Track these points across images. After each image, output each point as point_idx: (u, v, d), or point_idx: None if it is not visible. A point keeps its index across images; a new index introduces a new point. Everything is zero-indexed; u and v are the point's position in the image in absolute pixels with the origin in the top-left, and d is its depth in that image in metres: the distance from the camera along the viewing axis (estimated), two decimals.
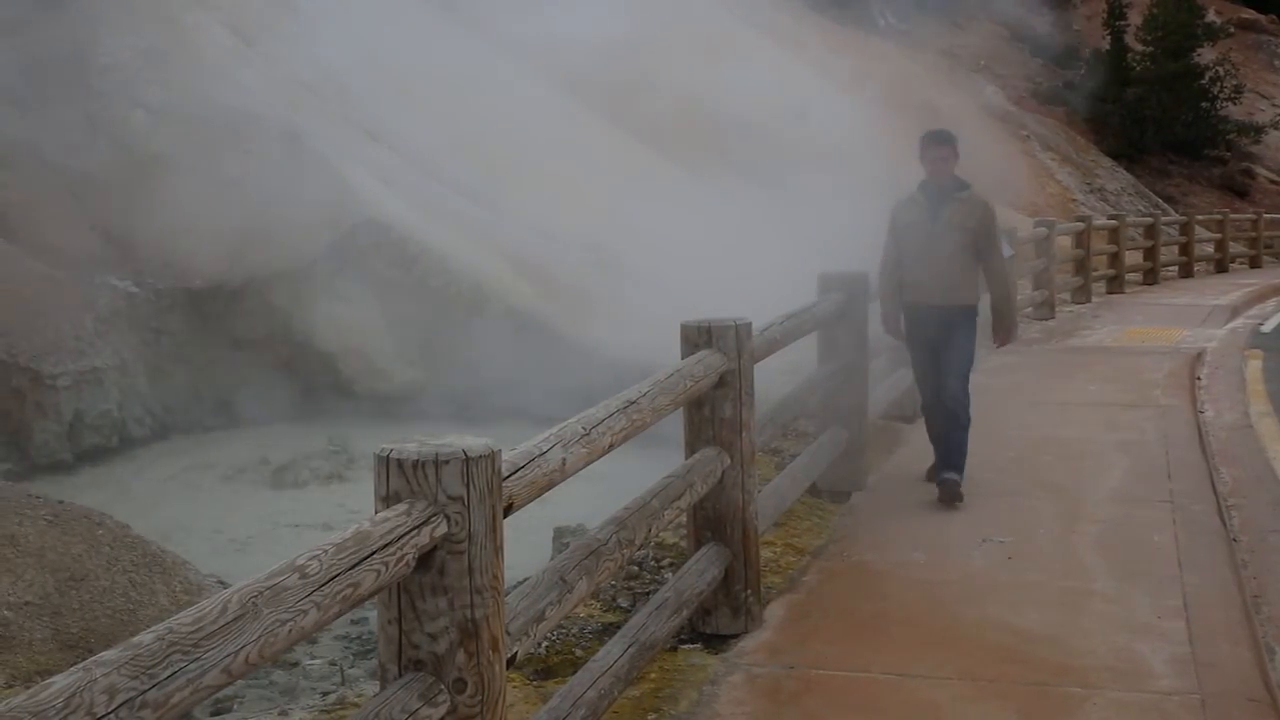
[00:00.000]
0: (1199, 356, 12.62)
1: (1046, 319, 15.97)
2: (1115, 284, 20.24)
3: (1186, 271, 24.14)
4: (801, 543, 6.29)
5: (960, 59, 32.05)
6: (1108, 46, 35.26)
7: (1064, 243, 17.96)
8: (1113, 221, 21.41)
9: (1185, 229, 24.82)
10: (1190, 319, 16.38)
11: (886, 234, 7.14)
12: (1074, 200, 28.05)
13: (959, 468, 6.96)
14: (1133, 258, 21.95)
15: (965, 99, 29.09)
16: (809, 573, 5.84)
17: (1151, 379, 11.23)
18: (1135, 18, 35.48)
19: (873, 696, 4.47)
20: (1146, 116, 34.02)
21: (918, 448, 6.82)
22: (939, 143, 6.97)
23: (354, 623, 6.79)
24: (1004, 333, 7.25)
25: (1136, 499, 7.10)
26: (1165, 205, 31.14)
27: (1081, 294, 18.50)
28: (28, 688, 1.83)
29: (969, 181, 7.04)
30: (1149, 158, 34.07)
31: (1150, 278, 22.27)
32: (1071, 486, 7.37)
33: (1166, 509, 6.84)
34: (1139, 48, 35.03)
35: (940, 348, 7.03)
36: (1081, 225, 19.11)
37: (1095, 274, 19.23)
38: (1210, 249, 25.98)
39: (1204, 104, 34.87)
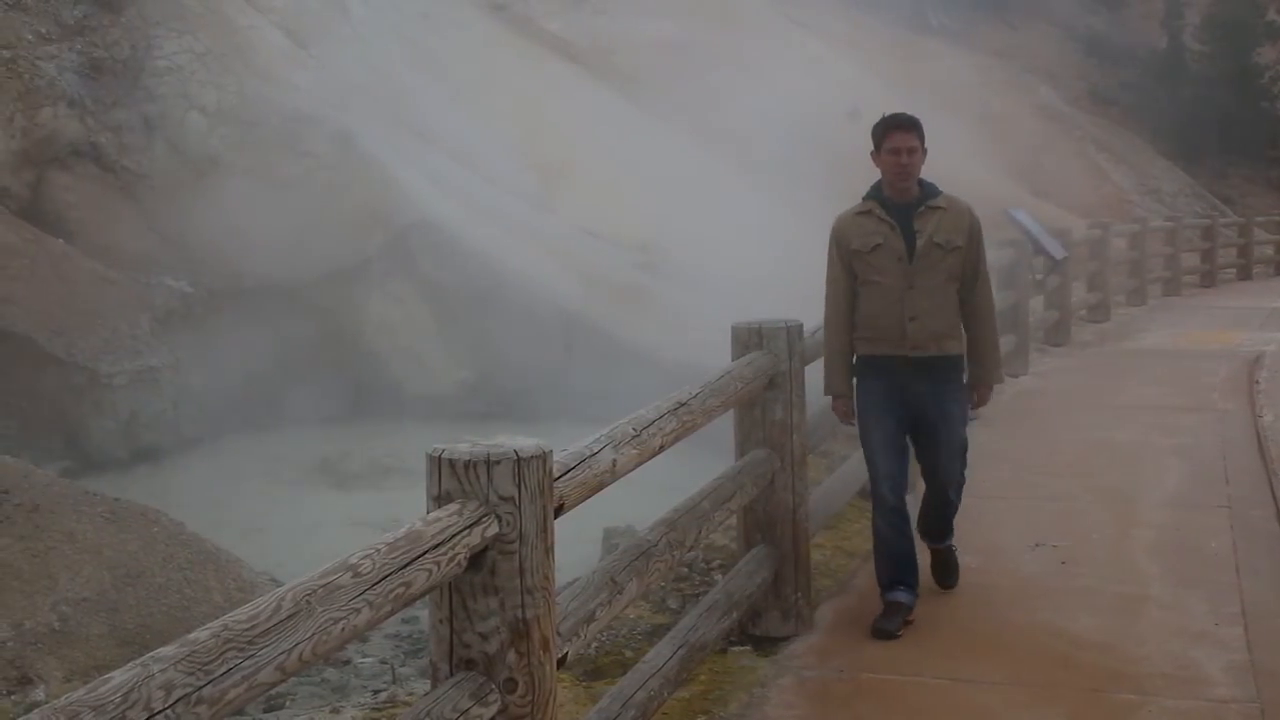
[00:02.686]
0: (1257, 360, 12.41)
1: (1101, 321, 15.80)
2: (1171, 286, 19.97)
3: (1245, 274, 23.78)
4: (852, 545, 6.26)
5: (1014, 59, 31.74)
6: (1165, 46, 34.84)
7: (1119, 244, 17.76)
8: (1169, 223, 21.12)
9: (1244, 231, 24.45)
10: (1248, 322, 16.14)
11: (830, 264, 5.12)
12: (1130, 201, 27.71)
13: (945, 533, 5.48)
14: (1189, 260, 21.65)
15: (1019, 99, 28.84)
16: (859, 576, 5.80)
17: (1208, 382, 11.07)
18: (1193, 17, 35.02)
19: (923, 701, 4.43)
20: (1204, 117, 33.53)
21: (971, 452, 6.72)
22: (903, 129, 4.95)
23: (405, 622, 6.83)
24: (986, 388, 5.24)
25: (1193, 504, 7.00)
26: (1223, 206, 30.68)
27: (1137, 296, 18.27)
28: (86, 683, 1.85)
29: (936, 184, 5.11)
30: (1207, 158, 33.56)
31: (1207, 280, 21.96)
32: (1126, 491, 7.27)
33: (1224, 514, 6.73)
34: (1197, 47, 34.58)
35: (918, 416, 5.11)
36: (1137, 227, 18.89)
37: (1151, 276, 18.99)
38: (1270, 251, 25.59)
39: (1264, 104, 34.37)
